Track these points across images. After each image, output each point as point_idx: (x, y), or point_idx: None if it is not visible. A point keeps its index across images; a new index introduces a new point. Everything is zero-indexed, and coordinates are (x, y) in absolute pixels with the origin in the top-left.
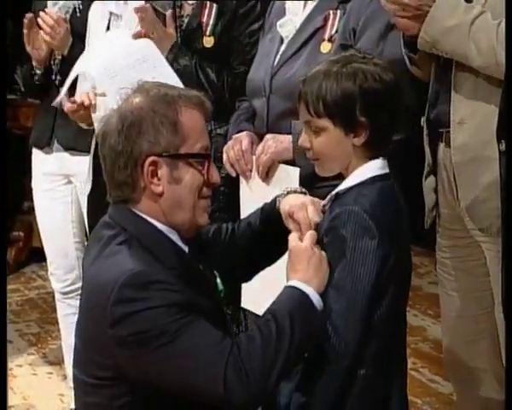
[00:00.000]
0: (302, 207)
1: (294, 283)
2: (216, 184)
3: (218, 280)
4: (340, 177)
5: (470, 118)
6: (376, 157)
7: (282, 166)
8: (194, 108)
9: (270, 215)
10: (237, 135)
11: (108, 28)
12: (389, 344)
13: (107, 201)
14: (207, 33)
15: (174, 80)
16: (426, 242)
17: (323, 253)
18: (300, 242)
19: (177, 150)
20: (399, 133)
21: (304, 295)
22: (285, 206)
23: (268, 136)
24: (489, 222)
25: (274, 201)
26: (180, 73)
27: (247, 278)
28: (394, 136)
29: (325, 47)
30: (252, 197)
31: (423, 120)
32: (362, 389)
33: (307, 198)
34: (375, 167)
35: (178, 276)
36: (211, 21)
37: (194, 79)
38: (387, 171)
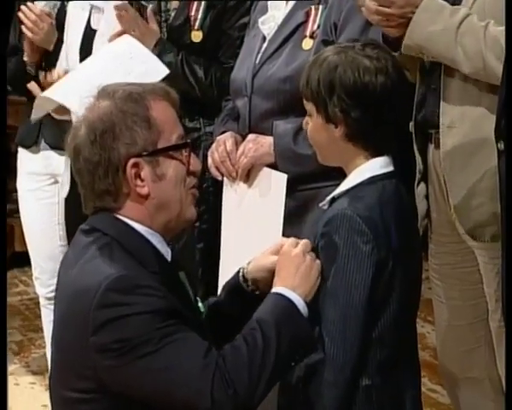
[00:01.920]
0: (278, 248)
1: (280, 289)
2: (197, 171)
3: (200, 304)
4: (326, 179)
5: (460, 121)
6: (378, 155)
7: (267, 171)
8: (162, 99)
9: (234, 287)
10: (220, 136)
11: (89, 21)
12: (397, 354)
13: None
14: (195, 27)
15: (163, 71)
16: (425, 246)
17: (317, 262)
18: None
19: (155, 146)
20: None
21: (289, 302)
22: (263, 263)
23: (250, 137)
24: (481, 229)
25: (236, 273)
26: None
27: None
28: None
29: (307, 43)
30: (235, 200)
31: (411, 124)
32: (367, 400)
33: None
34: (375, 166)
35: (160, 281)
36: (199, 15)
37: (180, 77)
38: (391, 169)
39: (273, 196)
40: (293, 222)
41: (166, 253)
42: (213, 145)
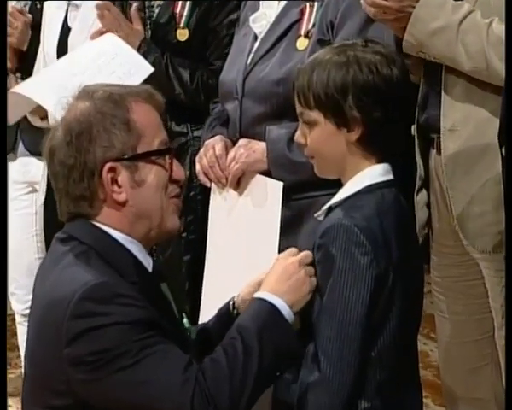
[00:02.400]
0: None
1: (264, 294)
2: (180, 179)
3: (185, 320)
4: (322, 187)
5: (463, 124)
6: (379, 162)
7: (261, 179)
8: (144, 102)
9: (226, 314)
10: (208, 141)
11: (66, 18)
12: (398, 373)
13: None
14: (181, 25)
15: (148, 69)
16: (427, 258)
17: (312, 279)
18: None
19: (134, 151)
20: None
21: (273, 307)
22: (256, 280)
23: (241, 142)
24: (484, 239)
25: (228, 302)
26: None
27: None
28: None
29: (301, 43)
30: (225, 209)
31: (413, 127)
32: None
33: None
34: (374, 174)
35: (140, 291)
36: (185, 12)
37: (164, 81)
38: (390, 177)
39: (268, 205)
40: (287, 233)
41: (147, 263)
42: (201, 150)
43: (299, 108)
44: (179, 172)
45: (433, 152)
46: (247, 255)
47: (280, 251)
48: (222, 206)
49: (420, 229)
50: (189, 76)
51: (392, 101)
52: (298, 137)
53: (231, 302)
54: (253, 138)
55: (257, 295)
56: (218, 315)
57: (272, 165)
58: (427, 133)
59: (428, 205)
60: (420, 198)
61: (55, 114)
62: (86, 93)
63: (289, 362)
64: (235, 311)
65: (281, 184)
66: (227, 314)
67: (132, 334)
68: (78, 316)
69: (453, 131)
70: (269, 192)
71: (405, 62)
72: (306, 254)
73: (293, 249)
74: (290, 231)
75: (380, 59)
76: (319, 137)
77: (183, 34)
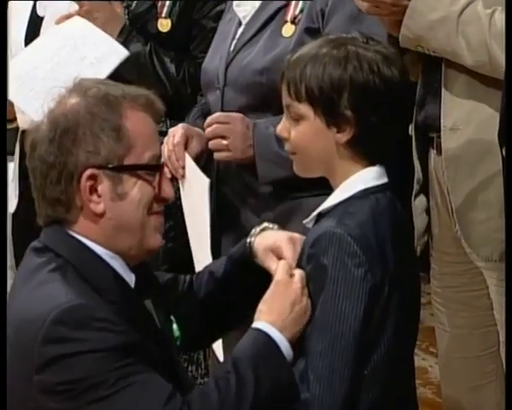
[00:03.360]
0: (290, 242)
1: (265, 326)
2: (169, 199)
3: (175, 326)
4: (308, 189)
5: (464, 123)
6: (371, 164)
7: (194, 167)
8: (141, 109)
9: (240, 260)
10: (172, 129)
11: (35, 8)
12: (393, 391)
13: (36, 221)
14: (163, 15)
15: (122, 53)
16: (426, 267)
17: (309, 302)
18: (289, 277)
19: (120, 161)
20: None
21: (273, 344)
22: (267, 241)
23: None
24: (489, 247)
25: (243, 243)
26: (132, 62)
27: (209, 342)
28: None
29: (288, 30)
30: (188, 201)
31: (411, 127)
32: None
33: (294, 234)
34: (368, 177)
35: (120, 312)
36: (167, 1)
37: (149, 70)
38: (385, 181)
39: (200, 197)
40: None
41: (129, 278)
42: (165, 138)
43: (286, 100)
44: (168, 191)
45: (433, 153)
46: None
47: None
48: (185, 196)
49: (419, 237)
50: (175, 67)
51: (389, 104)
52: (280, 130)
53: (247, 246)
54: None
55: (256, 324)
56: (232, 260)
57: (260, 159)
58: (426, 133)
59: (428, 210)
60: (418, 203)
61: (25, 108)
62: (80, 88)
63: (284, 404)
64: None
65: (207, 181)
66: (244, 258)
67: (109, 362)
68: (50, 341)
69: (454, 130)
70: (199, 185)
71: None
72: (303, 273)
73: (285, 266)
74: None
75: (381, 58)
76: (305, 132)
77: (164, 25)
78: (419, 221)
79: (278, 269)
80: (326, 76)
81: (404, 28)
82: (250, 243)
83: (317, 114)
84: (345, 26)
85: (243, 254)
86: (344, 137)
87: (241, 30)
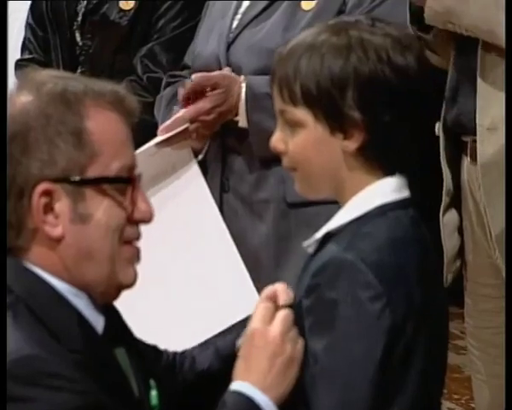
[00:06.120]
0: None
1: (245, 387)
2: (145, 219)
3: (154, 393)
4: None
5: (505, 121)
6: (389, 174)
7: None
8: (108, 108)
9: (227, 357)
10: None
11: None
12: None
13: None
14: None
15: None
16: (459, 300)
17: (298, 348)
18: (267, 324)
19: (83, 173)
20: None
21: (255, 407)
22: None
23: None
24: None
25: (232, 341)
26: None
27: None
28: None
29: (308, 3)
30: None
31: (438, 126)
32: None
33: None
34: (385, 190)
35: (83, 364)
36: None
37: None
38: (406, 194)
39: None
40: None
41: (96, 322)
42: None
43: (279, 104)
44: (144, 209)
45: (466, 160)
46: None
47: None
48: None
49: (449, 262)
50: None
51: (404, 99)
52: (275, 142)
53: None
54: (240, 135)
55: (235, 386)
56: (219, 356)
57: (251, 106)
58: (458, 135)
59: (460, 229)
60: (448, 220)
61: None
62: (32, 84)
63: None
64: None
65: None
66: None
67: None
68: None
69: (492, 131)
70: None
71: (427, 40)
72: (286, 316)
73: (263, 312)
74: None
75: (391, 43)
76: (305, 143)
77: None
78: (450, 242)
79: (254, 314)
80: (324, 70)
81: (430, 0)
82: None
83: (318, 118)
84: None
85: (231, 353)
86: (352, 144)
87: (246, 3)
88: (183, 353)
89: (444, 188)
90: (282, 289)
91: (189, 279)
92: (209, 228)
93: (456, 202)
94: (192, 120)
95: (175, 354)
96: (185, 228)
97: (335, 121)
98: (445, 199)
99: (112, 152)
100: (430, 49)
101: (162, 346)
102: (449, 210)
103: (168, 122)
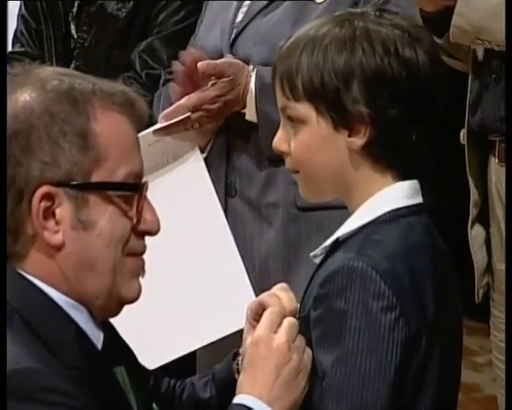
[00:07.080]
0: (282, 290)
1: (247, 400)
2: (152, 231)
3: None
4: None
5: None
6: (402, 178)
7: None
8: (117, 110)
9: (224, 382)
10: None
11: None
12: None
13: None
14: None
15: None
16: (484, 314)
17: (306, 358)
18: (273, 332)
19: (87, 177)
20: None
21: None
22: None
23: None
24: None
25: (228, 366)
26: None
27: None
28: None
29: None
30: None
31: (463, 133)
32: None
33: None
34: (397, 195)
35: (81, 381)
36: None
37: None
38: (419, 200)
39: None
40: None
41: (96, 337)
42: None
43: (281, 101)
44: (151, 220)
45: (494, 162)
46: None
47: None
48: None
49: (479, 277)
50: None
51: (413, 95)
52: (277, 142)
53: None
54: (247, 133)
55: (239, 399)
56: (220, 383)
57: (261, 92)
58: (484, 137)
59: (488, 242)
60: (476, 233)
61: None
62: (38, 79)
63: None
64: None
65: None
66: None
67: None
68: None
69: None
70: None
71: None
72: (292, 326)
73: (268, 317)
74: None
75: (400, 35)
76: (308, 141)
77: None
78: (480, 256)
79: (260, 323)
80: (328, 63)
81: (457, 17)
82: (238, 364)
83: (321, 114)
84: None
85: (228, 378)
86: (358, 140)
87: None
88: (183, 381)
89: (471, 200)
90: (285, 295)
91: (187, 279)
92: (209, 224)
93: (484, 213)
94: (195, 109)
95: (175, 382)
96: (185, 223)
97: (339, 116)
98: (472, 211)
99: (118, 157)
100: (445, 52)
101: (159, 347)
102: (477, 222)
103: (169, 109)
